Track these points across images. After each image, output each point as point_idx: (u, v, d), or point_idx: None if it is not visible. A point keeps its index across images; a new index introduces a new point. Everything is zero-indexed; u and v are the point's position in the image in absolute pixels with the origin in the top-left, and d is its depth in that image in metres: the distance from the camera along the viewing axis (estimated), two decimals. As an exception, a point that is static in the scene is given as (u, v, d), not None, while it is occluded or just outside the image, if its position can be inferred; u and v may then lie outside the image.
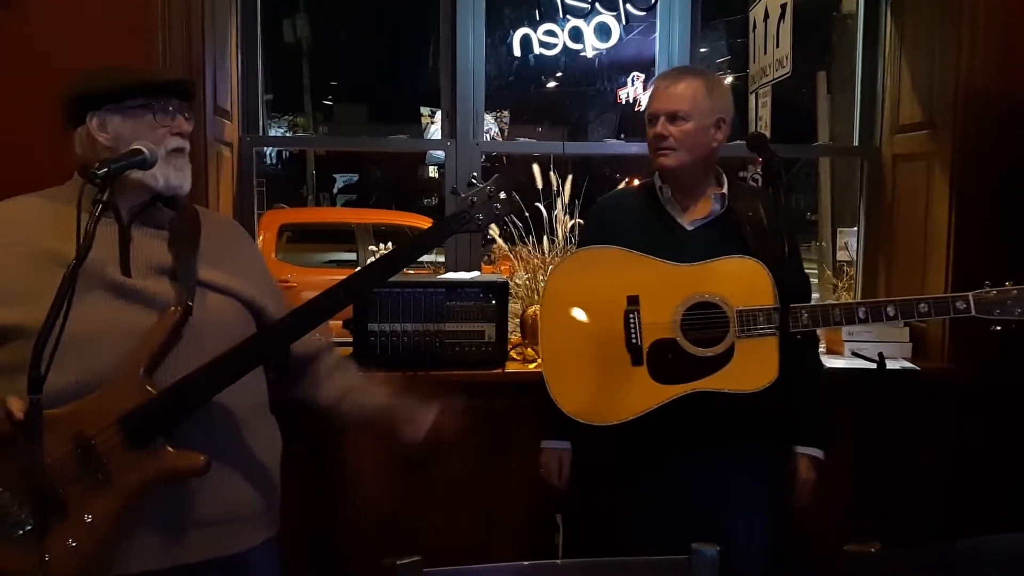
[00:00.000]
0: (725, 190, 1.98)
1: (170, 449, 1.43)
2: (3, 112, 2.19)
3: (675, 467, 1.96)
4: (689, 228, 1.97)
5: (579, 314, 1.93)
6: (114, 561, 1.42)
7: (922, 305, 1.86)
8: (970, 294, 1.85)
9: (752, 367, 1.83)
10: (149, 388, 1.43)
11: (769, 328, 1.83)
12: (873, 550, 1.06)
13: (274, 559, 1.66)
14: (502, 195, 1.58)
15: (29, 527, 1.38)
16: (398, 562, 1.12)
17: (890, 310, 1.86)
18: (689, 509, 1.95)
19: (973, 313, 1.84)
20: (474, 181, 1.60)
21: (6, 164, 2.09)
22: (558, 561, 1.19)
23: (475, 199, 1.58)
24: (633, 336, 1.88)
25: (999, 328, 1.82)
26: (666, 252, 1.91)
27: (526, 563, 1.12)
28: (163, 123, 1.52)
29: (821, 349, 2.50)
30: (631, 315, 1.89)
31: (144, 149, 1.43)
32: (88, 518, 1.39)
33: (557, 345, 1.95)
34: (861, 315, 1.86)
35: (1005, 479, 2.47)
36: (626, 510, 2.04)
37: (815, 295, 2.43)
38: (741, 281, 1.86)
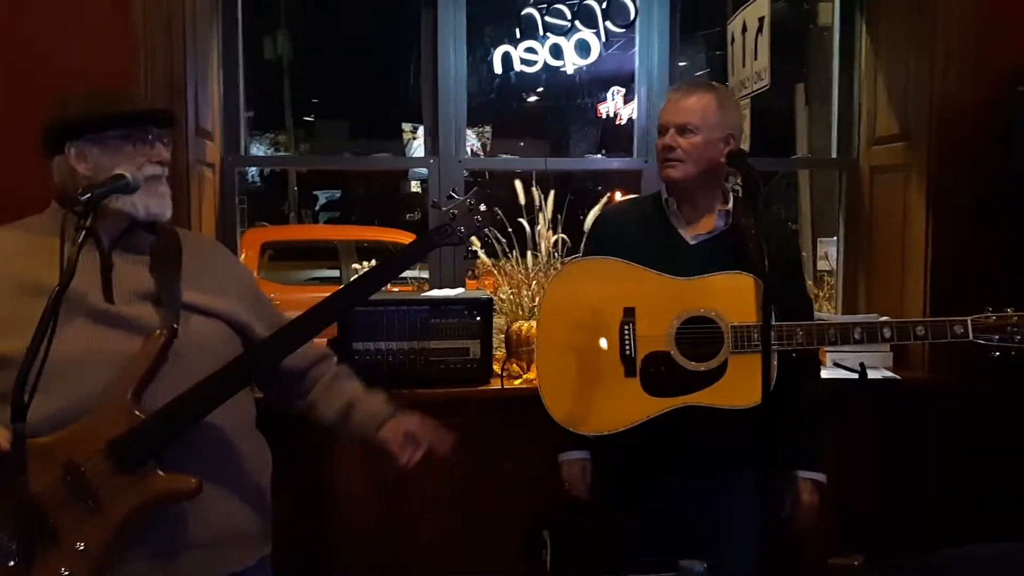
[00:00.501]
0: (730, 207, 1.99)
1: (161, 473, 1.43)
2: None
3: (667, 483, 1.97)
4: (692, 242, 1.98)
5: (569, 322, 1.94)
6: None
7: (919, 328, 1.85)
8: (968, 319, 1.83)
9: (744, 383, 1.83)
10: (137, 412, 1.42)
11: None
12: (856, 563, 1.07)
13: None
14: (482, 207, 1.59)
15: (19, 558, 1.35)
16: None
17: (886, 332, 1.85)
18: (680, 525, 1.95)
19: (971, 338, 1.82)
20: (454, 195, 1.62)
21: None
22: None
23: (456, 212, 1.59)
24: (627, 348, 1.89)
25: (998, 354, 1.79)
26: (667, 265, 1.92)
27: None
28: (142, 152, 1.52)
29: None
30: (626, 327, 1.89)
31: (127, 174, 1.44)
32: (80, 546, 1.39)
33: (552, 353, 1.96)
34: (856, 335, 1.86)
35: (987, 486, 2.50)
36: (619, 524, 2.04)
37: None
38: (737, 297, 1.86)
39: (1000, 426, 2.52)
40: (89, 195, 1.33)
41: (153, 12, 2.28)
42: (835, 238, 3.30)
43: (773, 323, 1.78)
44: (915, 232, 2.69)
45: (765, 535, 1.95)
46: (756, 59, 4.35)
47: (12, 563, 1.37)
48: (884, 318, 2.32)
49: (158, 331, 1.46)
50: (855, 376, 2.51)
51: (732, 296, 1.86)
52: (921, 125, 2.66)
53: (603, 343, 1.91)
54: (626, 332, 1.90)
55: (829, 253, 4.67)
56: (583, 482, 2.06)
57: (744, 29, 4.48)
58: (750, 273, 1.88)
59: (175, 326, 1.48)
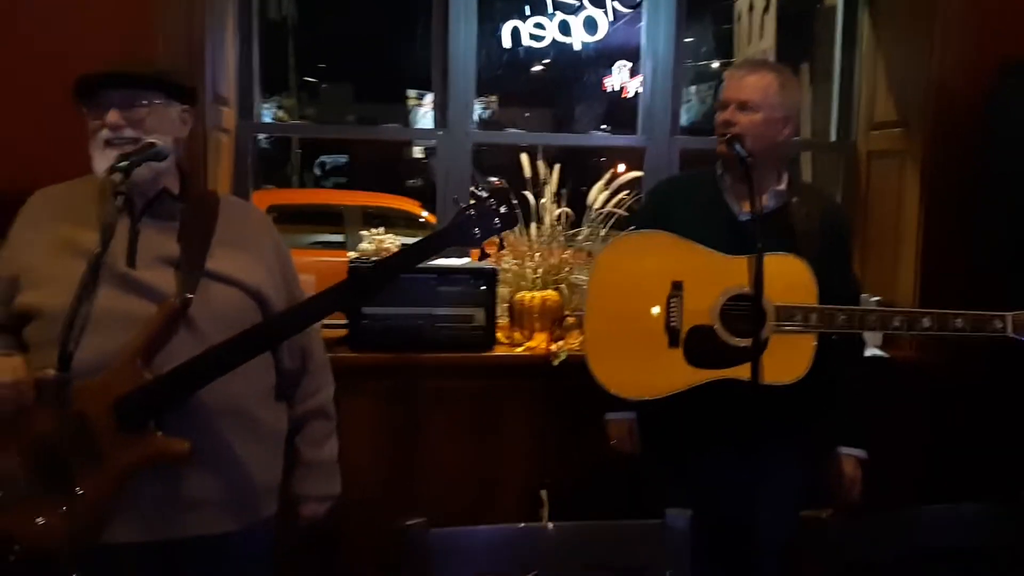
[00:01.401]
0: (784, 187, 2.02)
1: (158, 434, 1.50)
2: (15, 105, 2.26)
3: (704, 454, 2.04)
4: (742, 219, 2.01)
5: (617, 291, 2.01)
6: (103, 532, 1.50)
7: (958, 320, 1.87)
8: (1009, 315, 1.85)
9: (783, 361, 1.89)
10: (145, 374, 1.50)
11: (803, 326, 1.89)
12: (825, 516, 1.17)
13: (265, 541, 1.73)
14: (502, 209, 1.57)
15: (28, 491, 1.48)
16: (407, 523, 1.22)
17: (926, 322, 1.89)
18: (715, 496, 2.00)
19: (1009, 333, 1.84)
20: (475, 191, 1.60)
21: (11, 151, 2.17)
22: (549, 524, 1.30)
23: (474, 212, 1.57)
24: (673, 319, 1.96)
25: None
26: (717, 241, 1.96)
27: (521, 524, 1.24)
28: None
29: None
30: (673, 299, 1.96)
31: (158, 142, 1.51)
32: (79, 491, 1.47)
33: (600, 319, 2.02)
34: (896, 323, 1.90)
35: (973, 459, 2.58)
36: (654, 489, 2.07)
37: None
38: (784, 278, 1.90)
39: (988, 403, 2.60)
40: (125, 163, 1.41)
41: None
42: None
43: (816, 305, 1.87)
44: (908, 217, 2.76)
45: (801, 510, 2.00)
46: (762, 38, 4.39)
47: (20, 494, 1.48)
48: (887, 307, 2.37)
49: (172, 298, 1.53)
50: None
51: (779, 277, 1.89)
52: (917, 112, 2.72)
53: (653, 311, 1.97)
54: (673, 304, 1.96)
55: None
56: (630, 441, 2.14)
57: (751, 7, 4.50)
58: (795, 253, 1.93)
59: (188, 295, 1.53)
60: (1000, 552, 1.28)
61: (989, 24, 2.64)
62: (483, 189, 1.60)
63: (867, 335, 2.74)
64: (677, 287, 1.97)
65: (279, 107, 14.82)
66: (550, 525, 1.30)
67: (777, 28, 4.08)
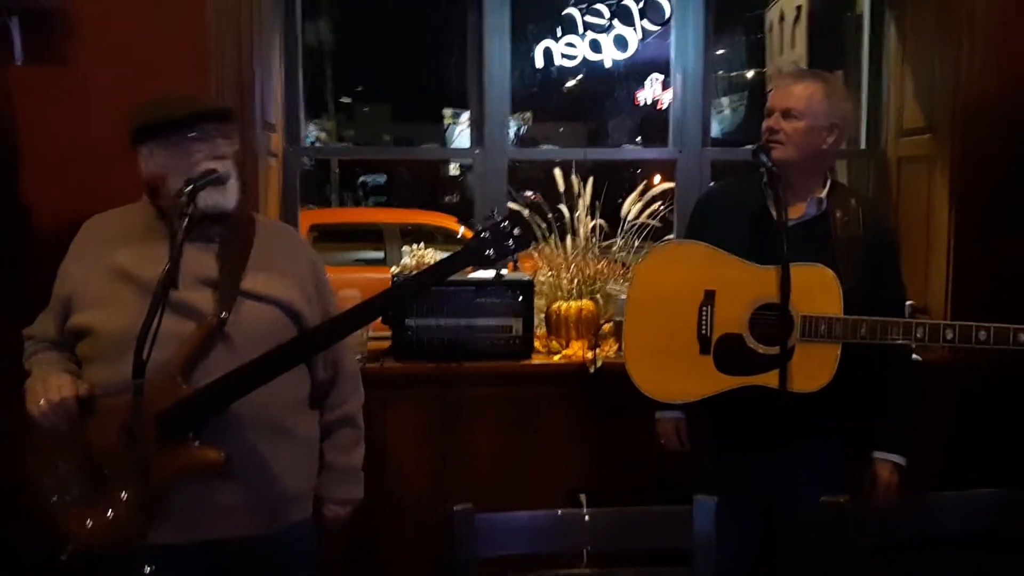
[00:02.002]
0: (824, 194, 2.05)
1: (196, 445, 1.62)
2: (79, 135, 2.40)
3: (738, 455, 2.10)
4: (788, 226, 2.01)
5: (655, 298, 2.09)
6: (146, 533, 1.60)
7: (981, 333, 1.88)
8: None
9: (808, 370, 1.94)
10: (184, 388, 1.62)
11: (828, 336, 1.93)
12: (843, 501, 1.23)
13: (303, 543, 1.83)
14: (516, 231, 1.63)
15: (78, 495, 1.63)
16: (455, 507, 1.31)
17: (949, 333, 1.90)
18: (750, 494, 2.06)
19: None
20: (493, 214, 1.68)
21: (84, 178, 2.32)
22: (586, 511, 1.37)
23: (489, 235, 1.64)
24: (704, 327, 2.03)
25: None
26: (760, 247, 1.99)
27: (559, 511, 1.32)
28: (199, 150, 1.67)
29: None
30: (705, 308, 2.03)
31: (218, 168, 1.63)
32: (124, 496, 1.60)
33: (638, 326, 2.10)
34: (919, 335, 1.92)
35: (997, 460, 2.60)
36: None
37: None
38: (812, 289, 1.94)
39: (1011, 405, 2.62)
40: (191, 187, 1.53)
41: (224, 15, 2.47)
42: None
43: (840, 316, 1.91)
44: (939, 222, 2.79)
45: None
46: (793, 48, 4.43)
47: (69, 499, 1.64)
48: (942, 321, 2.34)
49: (209, 317, 1.65)
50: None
51: (808, 287, 1.93)
52: (945, 118, 2.75)
53: (686, 319, 2.04)
54: (704, 313, 2.03)
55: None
56: (677, 438, 2.22)
57: (782, 18, 4.55)
58: (827, 265, 1.95)
59: (224, 315, 1.65)
60: (1013, 535, 1.32)
61: (1014, 31, 2.67)
62: (498, 213, 1.68)
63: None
64: (709, 296, 2.03)
65: (321, 129, 15.13)
66: (587, 511, 1.38)
67: (808, 37, 4.12)
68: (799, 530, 1.95)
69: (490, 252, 1.64)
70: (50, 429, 1.62)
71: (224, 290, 1.68)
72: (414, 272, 2.71)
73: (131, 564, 1.51)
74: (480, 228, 1.67)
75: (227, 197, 1.70)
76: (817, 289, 1.95)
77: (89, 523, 1.62)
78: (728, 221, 2.10)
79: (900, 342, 1.94)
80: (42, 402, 1.59)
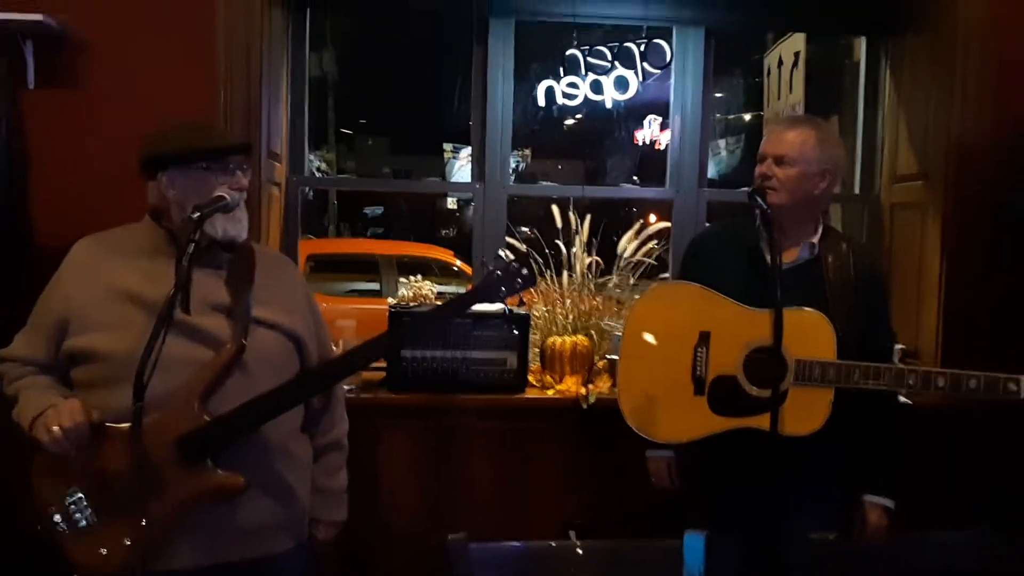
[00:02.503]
0: (817, 239, 2.08)
1: (216, 470, 1.64)
2: (89, 158, 2.45)
3: (722, 493, 2.11)
4: None
5: (650, 339, 2.10)
6: (161, 559, 1.63)
7: (972, 381, 1.89)
8: (1022, 377, 1.88)
9: (801, 414, 1.95)
10: (204, 415, 1.63)
11: (822, 381, 1.94)
12: (832, 537, 1.24)
13: (303, 562, 1.85)
14: (524, 271, 1.74)
15: (91, 522, 1.62)
16: (449, 536, 1.32)
17: (940, 381, 1.91)
18: (744, 527, 2.04)
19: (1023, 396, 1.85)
20: (501, 255, 1.78)
21: (92, 201, 2.36)
22: (578, 542, 1.39)
23: (499, 274, 1.74)
24: (699, 369, 2.04)
25: None
26: (752, 289, 2.02)
27: (552, 543, 1.33)
28: (222, 180, 1.71)
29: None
30: (699, 349, 2.04)
31: (226, 196, 1.66)
32: (142, 522, 1.59)
33: (632, 364, 2.11)
34: (911, 382, 1.93)
35: (990, 503, 2.61)
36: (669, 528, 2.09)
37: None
38: (806, 333, 1.95)
39: (1000, 448, 2.64)
40: (199, 214, 1.56)
41: (234, 46, 2.52)
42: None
43: (834, 360, 1.93)
44: (930, 268, 2.83)
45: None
46: (791, 92, 4.51)
47: (85, 524, 1.62)
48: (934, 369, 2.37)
49: (229, 344, 1.66)
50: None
51: (802, 332, 1.95)
52: (938, 165, 2.80)
53: (681, 360, 2.05)
54: (699, 354, 2.04)
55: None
56: (668, 477, 2.23)
57: (780, 63, 4.64)
58: (820, 310, 1.98)
59: (243, 341, 1.67)
60: (996, 573, 1.34)
61: (1008, 79, 2.73)
62: (505, 254, 1.78)
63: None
64: (704, 337, 2.04)
65: (322, 160, 15.25)
66: (578, 543, 1.39)
67: (806, 82, 4.19)
68: (791, 567, 1.94)
69: (502, 289, 1.74)
70: (60, 455, 1.61)
71: (238, 317, 1.70)
72: (416, 305, 2.73)
73: None
74: (492, 268, 1.75)
75: (240, 227, 1.74)
76: (811, 333, 1.96)
77: (103, 551, 1.61)
78: (722, 261, 2.12)
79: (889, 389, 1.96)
80: (55, 428, 1.58)
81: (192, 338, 1.65)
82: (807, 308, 1.98)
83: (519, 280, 1.73)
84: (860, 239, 3.12)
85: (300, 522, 1.83)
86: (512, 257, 1.76)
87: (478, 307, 2.79)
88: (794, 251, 2.08)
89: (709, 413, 2.03)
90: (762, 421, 1.94)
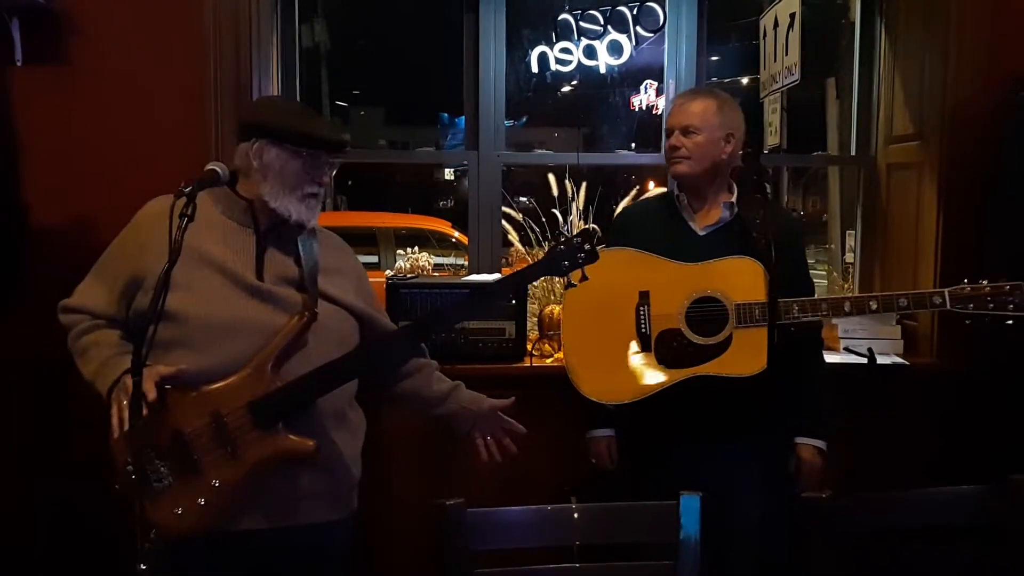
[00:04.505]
0: (734, 198, 2.20)
1: (288, 434, 1.67)
2: (78, 135, 2.43)
3: (679, 451, 2.17)
4: (701, 232, 2.20)
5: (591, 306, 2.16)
6: (232, 519, 1.67)
7: (902, 300, 2.06)
8: (946, 290, 2.06)
9: (748, 354, 2.05)
10: (276, 380, 1.66)
11: (764, 321, 2.04)
12: (824, 496, 1.26)
13: (353, 532, 1.90)
14: (587, 246, 1.78)
15: (167, 482, 1.65)
16: (447, 502, 1.34)
17: (873, 304, 2.07)
18: (694, 483, 2.13)
19: (948, 307, 2.04)
20: (564, 233, 1.82)
21: (81, 177, 2.35)
22: (575, 507, 1.41)
23: (563, 248, 1.79)
24: (643, 326, 2.12)
25: (969, 322, 2.03)
26: (680, 253, 2.13)
27: (549, 507, 1.36)
28: (309, 171, 1.73)
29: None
30: (642, 308, 2.13)
31: (217, 169, 1.66)
32: (215, 483, 1.64)
33: (577, 333, 2.19)
34: (847, 308, 2.07)
35: (985, 462, 2.64)
36: (638, 491, 2.24)
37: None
38: (741, 278, 2.08)
39: (998, 405, 2.66)
40: (190, 188, 1.56)
41: (223, 16, 2.50)
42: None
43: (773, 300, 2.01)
44: (926, 227, 2.84)
45: (768, 502, 2.14)
46: (787, 54, 4.47)
47: (159, 484, 1.65)
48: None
49: (303, 312, 1.70)
50: (865, 361, 2.69)
51: (736, 278, 2.07)
52: (933, 125, 2.80)
53: (624, 320, 2.13)
54: (642, 312, 2.12)
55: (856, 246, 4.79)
56: (609, 457, 2.29)
57: (776, 24, 4.59)
58: (752, 257, 2.08)
59: (316, 310, 1.70)
60: (988, 530, 1.36)
61: (1002, 38, 2.72)
62: (570, 231, 1.80)
63: (886, 343, 2.85)
64: (644, 296, 2.13)
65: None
66: (576, 506, 1.41)
67: (802, 44, 4.15)
68: (748, 519, 2.09)
69: (565, 264, 1.78)
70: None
71: (309, 289, 1.74)
72: (413, 276, 2.74)
73: (203, 552, 1.60)
74: (557, 243, 1.80)
75: (312, 215, 1.76)
76: (744, 278, 2.06)
77: (179, 511, 1.64)
78: (646, 233, 2.21)
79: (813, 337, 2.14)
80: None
81: (267, 304, 1.69)
82: (740, 256, 2.09)
83: (581, 255, 1.77)
84: (768, 195, 3.16)
85: (350, 492, 1.87)
86: (576, 235, 1.80)
87: (475, 277, 2.82)
88: (716, 212, 2.20)
89: (658, 367, 2.11)
90: (710, 368, 2.07)
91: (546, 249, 3.02)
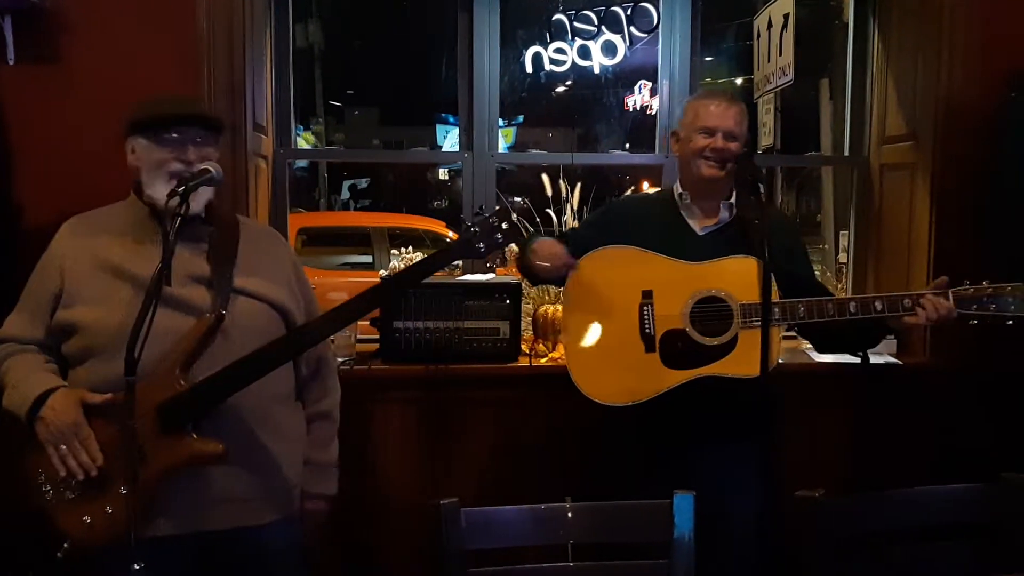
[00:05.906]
0: (733, 200, 2.19)
1: (195, 437, 1.65)
2: (70, 134, 2.43)
3: (681, 452, 2.14)
4: (701, 233, 2.18)
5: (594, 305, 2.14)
6: (144, 526, 1.62)
7: (906, 300, 2.03)
8: (950, 291, 2.05)
9: (753, 355, 1.95)
10: (182, 383, 1.64)
11: (772, 320, 1.99)
12: (818, 495, 1.26)
13: (293, 534, 1.86)
14: (504, 225, 1.72)
15: (77, 492, 1.65)
16: (441, 501, 1.34)
17: (878, 304, 2.04)
18: (694, 483, 2.12)
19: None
20: (480, 211, 1.76)
21: (73, 176, 2.36)
22: (569, 505, 1.41)
23: (478, 229, 1.72)
24: (647, 326, 2.09)
25: (974, 322, 2.02)
26: (679, 253, 2.10)
27: (543, 506, 1.35)
28: (170, 153, 1.69)
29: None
30: (645, 307, 2.10)
31: (211, 169, 1.65)
32: (123, 490, 1.58)
33: (579, 332, 2.14)
34: (851, 309, 2.04)
35: (978, 461, 2.65)
36: (638, 492, 2.22)
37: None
38: (744, 278, 2.05)
39: (990, 404, 2.68)
40: (183, 187, 1.55)
41: (216, 15, 2.49)
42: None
43: (778, 300, 2.00)
44: (920, 227, 2.84)
45: (763, 505, 2.13)
46: (781, 55, 4.48)
47: (71, 494, 1.65)
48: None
49: (208, 314, 1.67)
50: (858, 361, 2.69)
51: (739, 277, 2.05)
52: (927, 126, 2.80)
53: (627, 321, 2.10)
54: (645, 312, 2.10)
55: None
56: (563, 256, 2.12)
57: (770, 25, 4.60)
58: (754, 256, 2.05)
59: (223, 311, 1.68)
60: (981, 528, 1.37)
61: (996, 38, 2.72)
62: (486, 209, 1.76)
63: (879, 344, 2.85)
64: (647, 295, 2.11)
65: (311, 132, 15.14)
66: (570, 505, 1.41)
67: (796, 45, 4.16)
68: (744, 518, 2.07)
69: (480, 245, 1.71)
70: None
71: (219, 287, 1.71)
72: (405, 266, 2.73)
73: (123, 560, 1.50)
74: (469, 223, 1.73)
75: (196, 200, 1.68)
76: (748, 277, 2.04)
77: (87, 519, 1.63)
78: (643, 231, 2.17)
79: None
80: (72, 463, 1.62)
81: (174, 309, 1.67)
82: (742, 255, 2.07)
83: (499, 235, 1.71)
84: (844, 200, 3.15)
85: (286, 495, 1.83)
86: (491, 212, 1.74)
87: (468, 277, 2.81)
88: (716, 213, 2.19)
89: (663, 368, 2.08)
90: (715, 368, 2.04)
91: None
